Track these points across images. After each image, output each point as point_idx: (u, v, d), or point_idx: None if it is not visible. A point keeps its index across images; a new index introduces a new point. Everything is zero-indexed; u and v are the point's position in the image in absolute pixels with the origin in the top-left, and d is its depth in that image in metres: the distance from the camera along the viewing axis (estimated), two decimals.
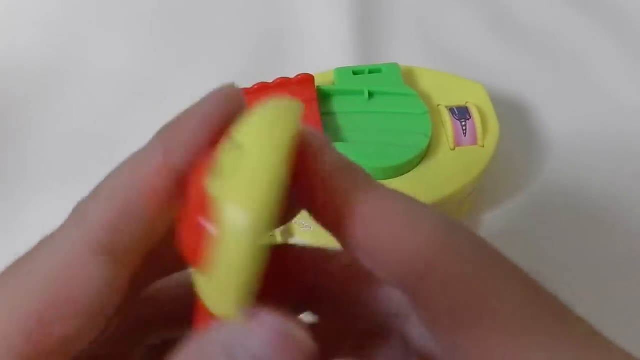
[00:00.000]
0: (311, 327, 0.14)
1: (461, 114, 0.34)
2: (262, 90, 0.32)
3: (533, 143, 0.40)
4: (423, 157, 0.32)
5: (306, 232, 0.34)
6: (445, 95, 0.35)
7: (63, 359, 0.15)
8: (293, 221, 0.34)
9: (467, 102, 0.34)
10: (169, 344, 0.14)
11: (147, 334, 0.19)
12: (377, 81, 0.34)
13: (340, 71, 0.34)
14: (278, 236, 0.35)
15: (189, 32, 0.46)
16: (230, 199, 0.13)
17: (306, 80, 0.33)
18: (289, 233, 0.36)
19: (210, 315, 0.15)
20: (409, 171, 0.32)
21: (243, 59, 0.44)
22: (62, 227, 0.16)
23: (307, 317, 0.20)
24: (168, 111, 0.46)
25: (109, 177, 0.16)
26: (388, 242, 0.15)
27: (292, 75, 0.33)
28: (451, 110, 0.34)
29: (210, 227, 0.14)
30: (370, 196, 0.16)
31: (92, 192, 0.16)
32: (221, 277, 0.14)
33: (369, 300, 0.18)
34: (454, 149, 0.33)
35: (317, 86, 0.33)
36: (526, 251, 0.35)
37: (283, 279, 0.19)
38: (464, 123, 0.33)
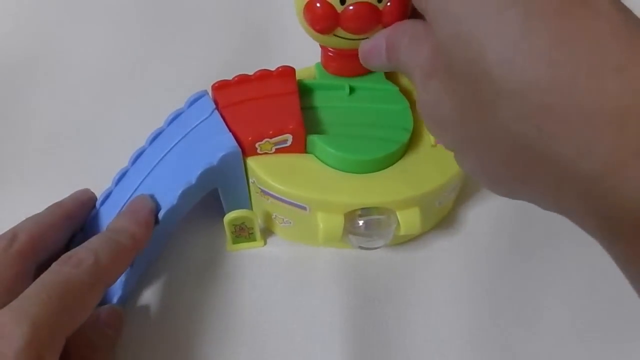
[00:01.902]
0: None
1: None
2: (243, 82, 0.33)
3: None
4: (404, 152, 0.33)
5: (286, 227, 0.34)
6: None
7: None
8: (273, 217, 0.34)
9: None
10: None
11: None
12: (358, 77, 0.34)
13: (321, 65, 0.34)
14: (257, 232, 0.34)
15: (171, 25, 0.47)
16: None
17: (287, 73, 0.33)
18: (267, 229, 0.36)
19: None
20: (390, 165, 0.32)
21: (225, 52, 0.45)
22: None
23: None
24: (149, 104, 0.46)
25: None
26: None
27: (273, 69, 0.33)
28: None
29: None
30: None
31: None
32: None
33: None
34: (435, 146, 0.33)
35: (298, 80, 0.33)
36: (510, 248, 0.36)
37: None
38: None
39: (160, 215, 0.31)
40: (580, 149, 0.19)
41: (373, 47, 0.28)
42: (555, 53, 0.19)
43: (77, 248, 0.28)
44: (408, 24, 0.26)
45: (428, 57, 0.24)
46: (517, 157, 0.21)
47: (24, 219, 0.31)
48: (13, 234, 0.29)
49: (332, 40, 0.31)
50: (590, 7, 0.19)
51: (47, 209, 0.32)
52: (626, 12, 0.20)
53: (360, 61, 0.30)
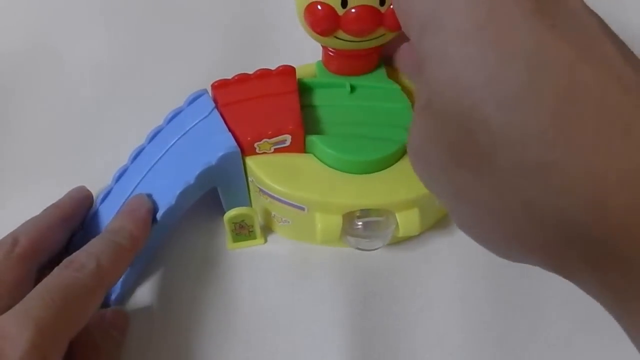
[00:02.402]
0: None
1: None
2: (242, 81, 0.33)
3: None
4: (404, 152, 0.32)
5: (285, 226, 0.34)
6: None
7: None
8: (272, 215, 0.34)
9: None
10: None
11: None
12: (360, 75, 0.34)
13: (322, 64, 0.34)
14: (258, 230, 0.34)
15: (171, 23, 0.46)
16: None
17: (287, 72, 0.33)
18: (267, 227, 0.36)
19: None
20: (391, 165, 0.32)
21: (225, 51, 0.44)
22: None
23: None
24: (149, 102, 0.46)
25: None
26: None
27: (273, 67, 0.33)
28: None
29: None
30: None
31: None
32: None
33: None
34: None
35: (299, 78, 0.33)
36: None
37: None
38: None
39: (159, 215, 0.31)
40: (588, 210, 0.18)
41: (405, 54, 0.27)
42: (560, 107, 0.18)
43: (78, 252, 0.28)
44: None
45: (424, 91, 0.22)
46: (516, 214, 0.20)
47: (23, 219, 0.31)
48: (13, 238, 0.30)
49: (333, 42, 0.31)
50: (600, 61, 0.18)
51: (44, 210, 0.32)
52: (635, 63, 0.19)
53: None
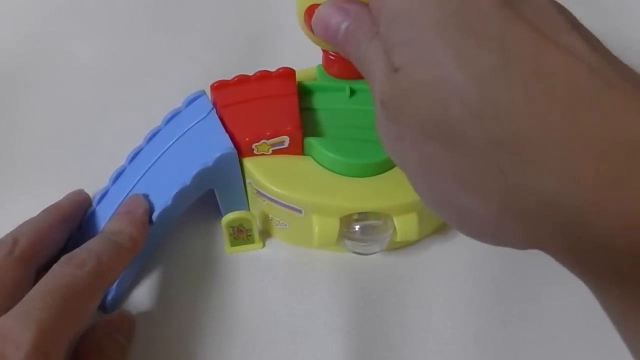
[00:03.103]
0: None
1: None
2: (242, 82, 0.33)
3: None
4: None
5: (282, 229, 0.34)
6: None
7: None
8: (269, 218, 0.34)
9: None
10: None
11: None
12: (360, 79, 0.33)
13: (322, 68, 0.34)
14: (256, 234, 0.34)
15: (171, 24, 0.47)
16: None
17: (287, 74, 0.33)
18: (266, 231, 0.35)
19: None
20: (389, 169, 0.32)
21: (225, 53, 0.45)
22: None
23: None
24: (147, 103, 0.46)
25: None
26: None
27: (273, 69, 0.33)
28: None
29: None
30: None
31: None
32: None
33: None
34: None
35: (299, 81, 0.33)
36: (513, 255, 0.35)
37: None
38: None
39: (155, 216, 0.31)
40: (558, 179, 0.19)
41: (329, 27, 0.27)
42: (531, 84, 0.19)
43: (78, 249, 0.28)
44: (371, 22, 0.25)
45: (387, 65, 0.23)
46: (490, 184, 0.21)
47: (22, 219, 0.31)
48: (13, 239, 0.29)
49: None
50: (565, 47, 0.20)
51: (43, 211, 0.32)
52: (601, 51, 0.20)
53: (312, 26, 0.28)
